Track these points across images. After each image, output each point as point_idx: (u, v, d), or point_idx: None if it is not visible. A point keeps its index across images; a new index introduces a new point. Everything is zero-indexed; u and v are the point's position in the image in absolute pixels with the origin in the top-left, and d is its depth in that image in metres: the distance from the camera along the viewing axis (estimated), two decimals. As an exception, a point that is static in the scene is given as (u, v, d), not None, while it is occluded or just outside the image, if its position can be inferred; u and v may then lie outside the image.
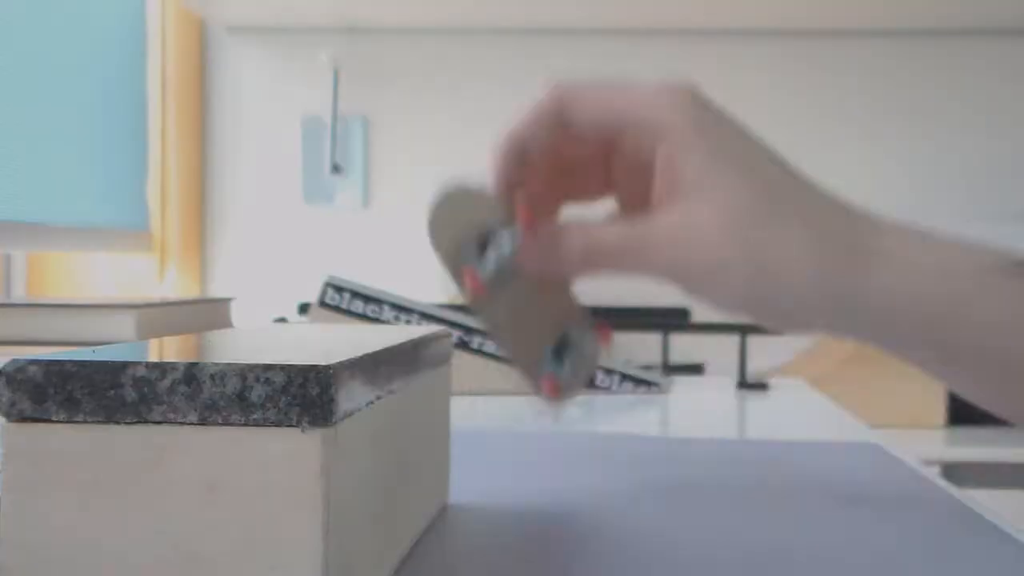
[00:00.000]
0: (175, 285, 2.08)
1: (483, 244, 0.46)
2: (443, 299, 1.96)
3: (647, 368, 1.03)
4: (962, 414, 1.67)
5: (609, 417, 0.81)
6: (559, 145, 0.47)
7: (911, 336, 0.43)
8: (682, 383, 1.04)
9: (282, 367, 0.27)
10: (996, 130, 2.14)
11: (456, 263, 0.46)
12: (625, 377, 0.94)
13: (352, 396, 0.28)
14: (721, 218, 0.42)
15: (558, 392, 0.47)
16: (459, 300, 2.04)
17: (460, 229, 0.46)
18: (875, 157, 2.15)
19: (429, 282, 2.12)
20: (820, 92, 2.15)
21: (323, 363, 0.27)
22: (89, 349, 0.30)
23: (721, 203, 0.43)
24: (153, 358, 0.28)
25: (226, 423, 0.27)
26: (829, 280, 0.42)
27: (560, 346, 0.48)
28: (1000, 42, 2.12)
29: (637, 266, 0.44)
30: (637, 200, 0.47)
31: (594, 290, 1.99)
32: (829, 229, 0.43)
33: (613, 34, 2.14)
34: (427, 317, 0.93)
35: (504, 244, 0.46)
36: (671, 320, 1.29)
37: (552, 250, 0.45)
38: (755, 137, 0.46)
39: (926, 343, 0.43)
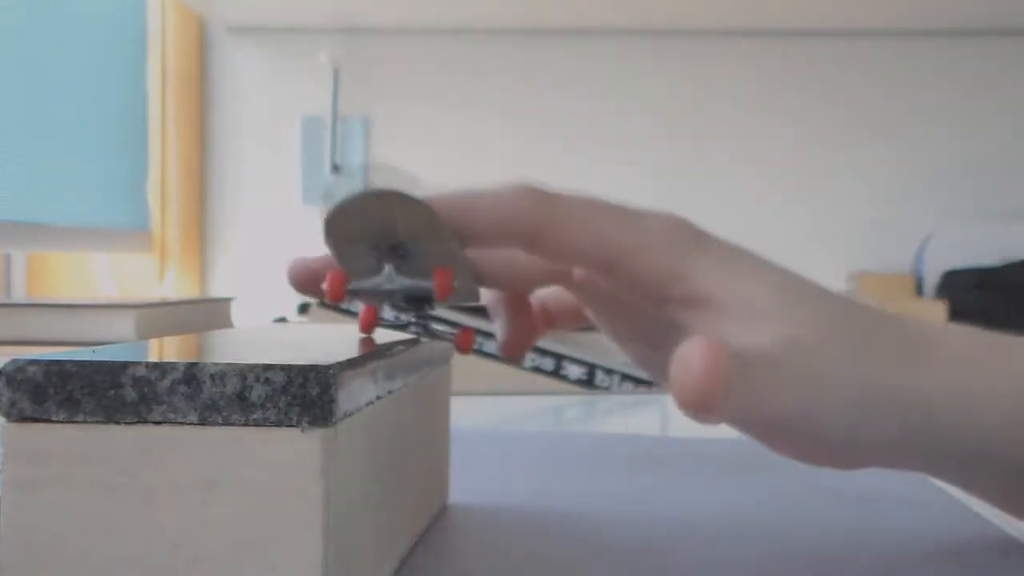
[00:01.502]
0: (175, 285, 2.08)
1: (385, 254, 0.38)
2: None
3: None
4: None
5: (609, 417, 0.81)
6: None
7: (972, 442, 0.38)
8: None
9: (282, 367, 0.27)
10: (997, 130, 2.14)
11: (343, 256, 0.39)
12: (625, 377, 0.94)
13: (352, 396, 0.28)
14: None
15: (368, 329, 0.39)
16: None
17: (370, 228, 0.38)
18: (875, 157, 2.15)
19: (429, 282, 2.12)
20: (819, 92, 2.15)
21: (323, 363, 0.27)
22: (89, 349, 0.30)
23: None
24: (153, 358, 0.28)
25: (226, 423, 0.27)
26: (865, 370, 0.37)
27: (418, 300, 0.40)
28: (1000, 42, 2.12)
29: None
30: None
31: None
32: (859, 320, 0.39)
33: (613, 34, 2.14)
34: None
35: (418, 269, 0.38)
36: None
37: (725, 389, 0.33)
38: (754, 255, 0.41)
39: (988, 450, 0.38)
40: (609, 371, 0.93)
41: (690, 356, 0.33)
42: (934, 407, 0.38)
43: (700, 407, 0.33)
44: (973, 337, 0.40)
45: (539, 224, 0.38)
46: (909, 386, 0.38)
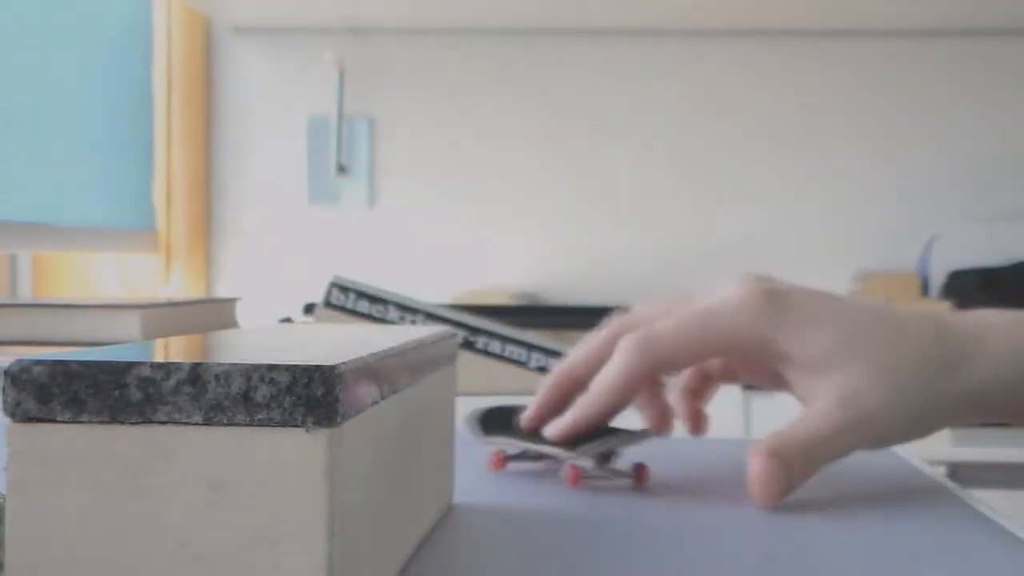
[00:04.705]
0: (180, 285, 2.08)
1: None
2: (448, 299, 1.96)
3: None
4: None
5: (614, 418, 0.81)
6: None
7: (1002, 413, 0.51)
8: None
9: (287, 367, 0.27)
10: (996, 130, 2.14)
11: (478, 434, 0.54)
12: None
13: (357, 396, 0.28)
14: (834, 391, 0.49)
15: (577, 483, 0.51)
16: (463, 300, 2.03)
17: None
18: (875, 156, 2.15)
19: (434, 282, 2.12)
20: (820, 92, 2.15)
21: (328, 363, 0.27)
22: (94, 349, 0.30)
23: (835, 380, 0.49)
24: (158, 358, 0.28)
25: (231, 423, 0.27)
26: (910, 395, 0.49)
27: (603, 454, 0.51)
28: (1001, 42, 2.12)
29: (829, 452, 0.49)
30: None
31: (598, 292, 1.99)
32: (905, 353, 0.49)
33: (614, 34, 2.14)
34: (432, 317, 0.93)
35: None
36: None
37: (788, 485, 0.47)
38: (825, 295, 0.51)
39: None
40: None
41: (750, 474, 0.47)
42: (981, 395, 0.50)
43: (770, 505, 0.47)
44: (1010, 323, 0.51)
45: (655, 364, 0.50)
46: (958, 389, 0.49)
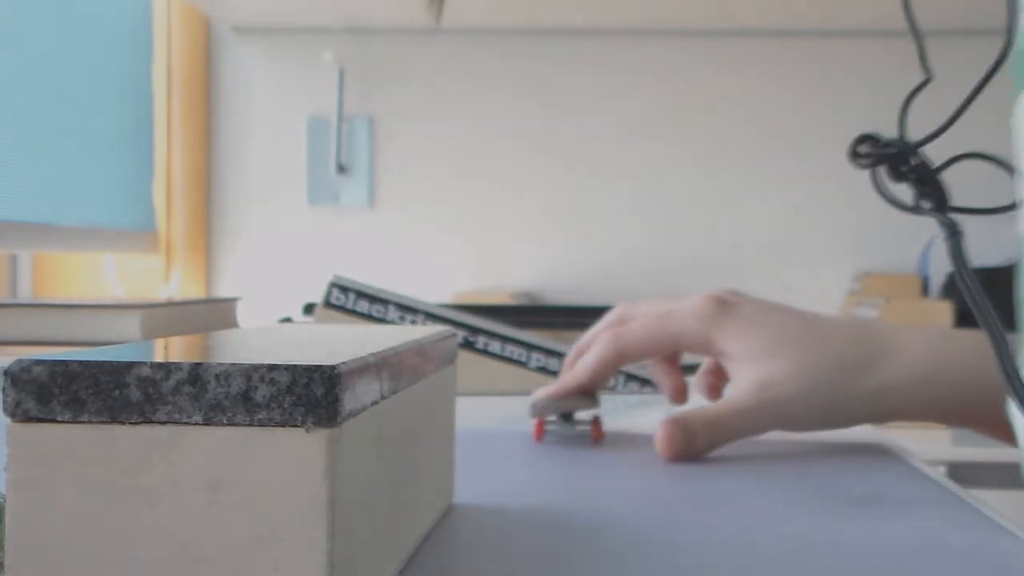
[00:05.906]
0: (180, 285, 2.08)
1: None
2: (448, 299, 1.96)
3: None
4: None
5: (614, 417, 0.81)
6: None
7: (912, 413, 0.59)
8: (687, 383, 1.03)
9: (287, 367, 0.27)
10: (997, 129, 2.14)
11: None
12: (630, 377, 0.94)
13: (357, 396, 0.28)
14: (752, 383, 0.59)
15: (541, 436, 0.64)
16: (463, 300, 2.03)
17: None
18: (881, 157, 2.15)
19: (434, 282, 2.12)
20: (824, 92, 2.15)
21: (328, 363, 0.27)
22: (94, 349, 0.30)
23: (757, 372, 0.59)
24: (158, 358, 0.28)
25: (231, 423, 0.27)
26: (822, 391, 0.58)
27: (564, 415, 0.65)
28: (999, 41, 2.12)
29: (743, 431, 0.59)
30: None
31: (598, 292, 1.98)
32: (824, 352, 0.59)
33: (614, 34, 2.14)
34: (432, 317, 0.93)
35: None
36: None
37: (688, 444, 0.57)
38: (769, 305, 0.61)
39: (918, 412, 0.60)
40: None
41: (655, 435, 0.58)
42: (893, 393, 0.58)
43: (670, 460, 0.57)
44: (926, 333, 0.59)
45: (622, 354, 0.62)
46: (872, 387, 0.58)
